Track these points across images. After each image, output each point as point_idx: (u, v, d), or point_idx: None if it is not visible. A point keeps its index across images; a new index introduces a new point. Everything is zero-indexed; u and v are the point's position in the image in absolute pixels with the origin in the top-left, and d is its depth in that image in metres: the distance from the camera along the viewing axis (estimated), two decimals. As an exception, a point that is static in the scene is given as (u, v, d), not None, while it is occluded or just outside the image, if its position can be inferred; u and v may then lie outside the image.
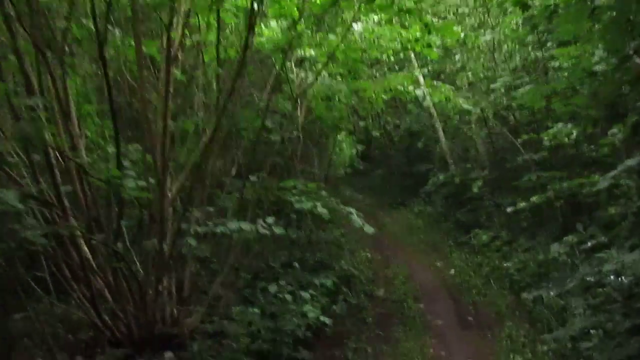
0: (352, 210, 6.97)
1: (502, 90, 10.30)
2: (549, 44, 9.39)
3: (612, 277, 3.74)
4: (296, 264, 9.25)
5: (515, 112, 11.04)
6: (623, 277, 3.71)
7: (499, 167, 13.75)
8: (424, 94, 8.40)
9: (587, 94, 7.20)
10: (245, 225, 6.52)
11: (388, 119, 21.39)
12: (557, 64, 9.42)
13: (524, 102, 7.92)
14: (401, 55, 13.43)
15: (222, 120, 6.15)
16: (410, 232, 16.64)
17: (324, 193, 7.21)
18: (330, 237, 13.10)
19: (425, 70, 13.35)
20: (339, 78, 10.30)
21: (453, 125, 15.64)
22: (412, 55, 15.50)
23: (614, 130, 5.43)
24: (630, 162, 4.41)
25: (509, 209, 6.19)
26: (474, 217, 14.19)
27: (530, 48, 9.69)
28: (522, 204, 5.95)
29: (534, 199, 5.71)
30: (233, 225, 6.50)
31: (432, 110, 15.66)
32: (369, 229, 6.67)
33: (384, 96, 8.99)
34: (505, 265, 10.74)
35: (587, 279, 3.80)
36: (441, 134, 16.42)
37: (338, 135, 12.57)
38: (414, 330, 8.40)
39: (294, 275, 9.28)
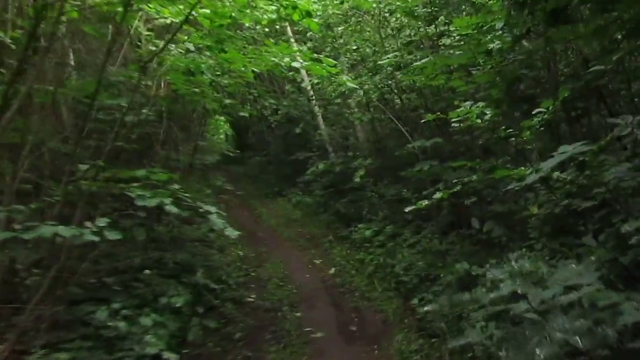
0: (212, 209, 5.49)
1: (390, 69, 9.27)
2: (441, 19, 8.45)
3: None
4: (147, 271, 7.58)
5: (402, 94, 10.05)
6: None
7: (382, 155, 12.85)
8: (301, 65, 7.04)
9: (489, 72, 6.26)
10: (66, 231, 4.85)
11: (266, 103, 20.05)
12: (448, 41, 8.52)
13: (420, 78, 6.87)
14: (277, 28, 12.14)
15: (17, 87, 4.40)
16: (287, 225, 15.39)
17: (176, 186, 5.64)
18: (197, 233, 11.54)
19: (305, 47, 12.02)
20: (207, 53, 8.75)
21: (334, 110, 14.53)
22: (289, 30, 14.29)
23: (540, 109, 4.42)
24: (572, 150, 3.37)
25: (407, 209, 5.09)
26: (356, 208, 13.20)
27: (420, 22, 8.70)
28: (424, 202, 4.84)
29: (437, 195, 4.62)
30: (46, 230, 4.81)
31: (311, 92, 14.50)
32: (231, 232, 5.24)
33: (255, 69, 7.55)
34: (389, 262, 9.80)
35: (566, 338, 2.65)
36: (320, 119, 15.32)
37: (209, 119, 10.94)
38: (290, 347, 7.08)
39: (150, 282, 7.71)
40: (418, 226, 10.56)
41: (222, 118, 30.71)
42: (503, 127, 4.67)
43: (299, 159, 17.84)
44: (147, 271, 7.50)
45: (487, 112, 4.71)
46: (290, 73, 14.15)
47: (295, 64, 7.03)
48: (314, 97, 14.33)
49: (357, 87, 8.40)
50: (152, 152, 11.69)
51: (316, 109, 15.06)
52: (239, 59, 7.33)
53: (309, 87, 14.27)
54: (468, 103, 4.74)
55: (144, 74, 6.79)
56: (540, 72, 7.43)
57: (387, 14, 9.63)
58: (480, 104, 4.71)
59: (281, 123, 19.74)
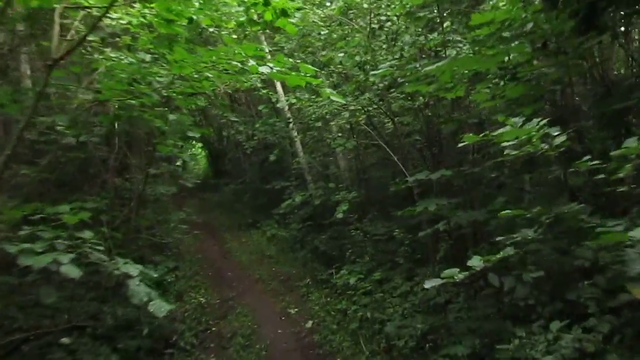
0: (135, 270, 3.82)
1: (382, 85, 7.72)
2: (446, 24, 6.97)
3: None
4: (66, 340, 5.83)
5: (394, 117, 8.47)
6: None
7: (367, 187, 11.30)
8: (271, 72, 5.44)
9: (523, 84, 4.73)
10: None
11: (240, 128, 18.48)
12: (454, 52, 7.03)
13: (432, 87, 5.32)
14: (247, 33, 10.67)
15: None
16: (260, 262, 13.66)
17: (87, 234, 3.97)
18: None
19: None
20: (164, 65, 7.16)
21: (313, 135, 12.88)
22: (264, 41, 12.82)
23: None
24: None
25: (427, 285, 3.56)
26: (338, 246, 11.51)
27: (420, 28, 7.18)
28: (458, 274, 3.27)
29: (477, 262, 3.04)
30: None
31: (289, 114, 12.90)
32: (158, 309, 3.57)
33: (209, 74, 5.95)
34: (378, 317, 8.15)
35: None
36: (299, 145, 13.71)
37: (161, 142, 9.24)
38: None
39: (76, 348, 5.99)
40: (410, 270, 8.96)
41: (199, 144, 29.03)
42: (588, 157, 3.11)
43: (275, 188, 16.23)
44: (65, 339, 5.74)
45: (557, 134, 3.15)
46: (264, 91, 12.57)
47: (263, 69, 5.44)
48: (291, 120, 12.71)
49: (342, 101, 6.84)
50: (99, 180, 10.02)
51: (294, 133, 13.44)
52: (189, 60, 5.70)
53: (286, 108, 12.66)
54: (518, 120, 3.19)
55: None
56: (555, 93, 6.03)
57: (376, 26, 8.08)
58: (540, 121, 3.16)
59: (257, 149, 18.17)
